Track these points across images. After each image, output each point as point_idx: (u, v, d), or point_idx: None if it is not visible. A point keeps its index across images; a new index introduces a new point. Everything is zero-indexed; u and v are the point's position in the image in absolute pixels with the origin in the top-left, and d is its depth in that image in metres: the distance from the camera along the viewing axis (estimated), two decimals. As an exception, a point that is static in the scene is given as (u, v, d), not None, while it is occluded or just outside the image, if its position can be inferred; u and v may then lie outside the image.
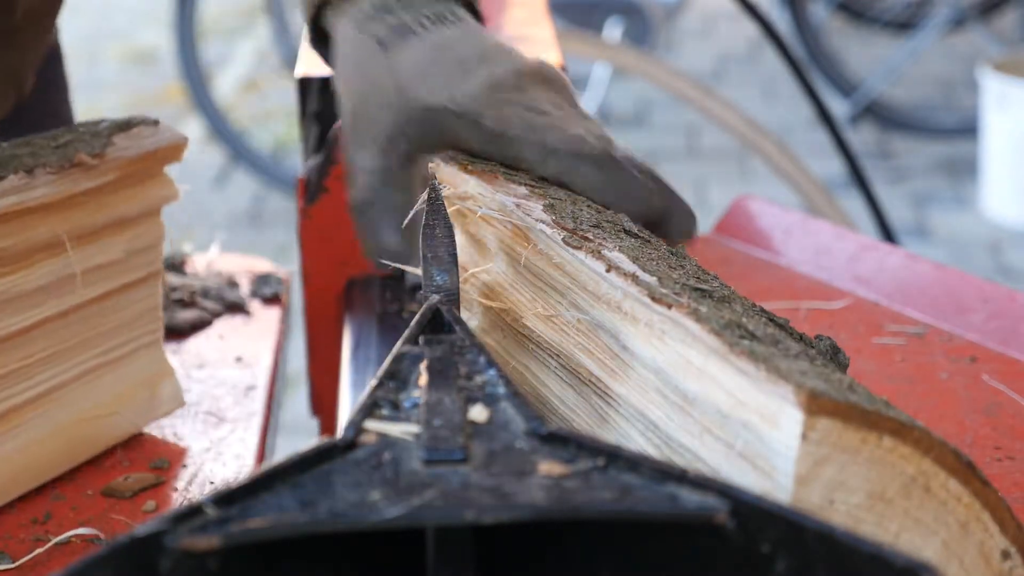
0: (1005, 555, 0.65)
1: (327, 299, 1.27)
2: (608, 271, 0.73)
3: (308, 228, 1.26)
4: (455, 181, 0.85)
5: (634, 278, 0.72)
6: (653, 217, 0.86)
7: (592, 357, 0.75)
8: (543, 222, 0.79)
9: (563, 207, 0.80)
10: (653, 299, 0.70)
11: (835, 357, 0.74)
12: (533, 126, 0.86)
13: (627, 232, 0.80)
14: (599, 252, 0.75)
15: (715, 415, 0.65)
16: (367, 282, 1.25)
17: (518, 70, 0.89)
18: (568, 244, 0.77)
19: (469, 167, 0.86)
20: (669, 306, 0.68)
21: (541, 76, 0.89)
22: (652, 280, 0.71)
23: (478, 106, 0.87)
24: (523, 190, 0.83)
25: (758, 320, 0.71)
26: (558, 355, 0.79)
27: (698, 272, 0.77)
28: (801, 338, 0.74)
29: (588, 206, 0.82)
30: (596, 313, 0.75)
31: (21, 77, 1.20)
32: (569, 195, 0.84)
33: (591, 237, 0.77)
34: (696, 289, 0.72)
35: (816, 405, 0.60)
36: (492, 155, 0.87)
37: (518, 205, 0.81)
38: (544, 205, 0.80)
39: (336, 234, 1.26)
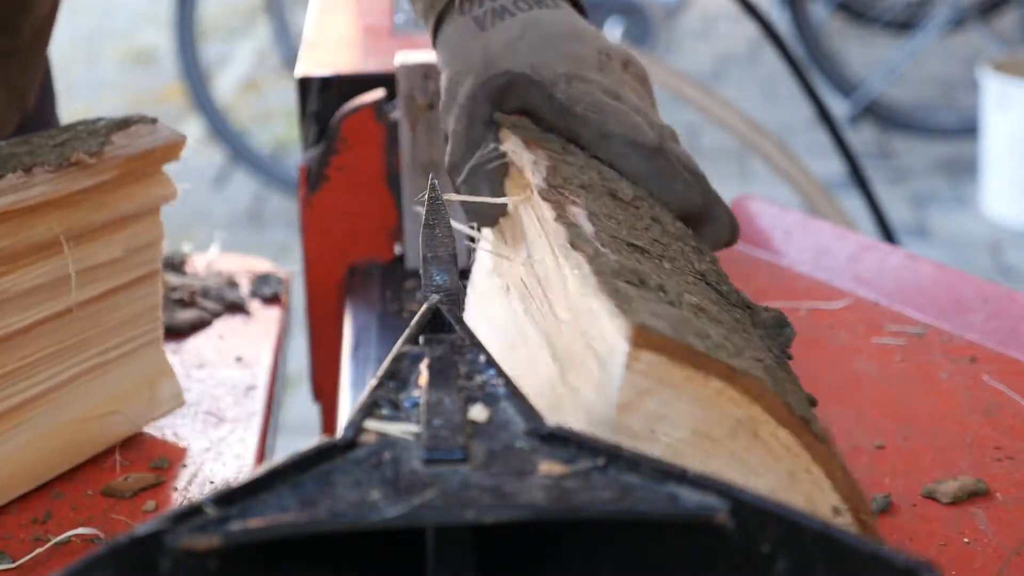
0: (836, 511, 0.66)
1: (328, 286, 1.28)
2: (556, 219, 0.76)
3: (310, 216, 1.27)
4: (502, 138, 0.90)
5: (571, 226, 0.75)
6: (690, 216, 0.89)
7: (531, 303, 0.79)
8: (539, 175, 0.83)
9: (567, 170, 0.83)
10: (572, 245, 0.73)
11: (779, 329, 0.78)
12: (599, 108, 0.89)
13: (612, 196, 0.83)
14: (562, 205, 0.78)
15: (583, 349, 0.69)
16: (367, 270, 1.26)
17: (603, 50, 0.93)
18: (542, 195, 0.80)
19: (513, 128, 0.90)
20: (576, 249, 0.72)
21: (625, 60, 0.94)
22: (587, 229, 0.75)
23: (554, 78, 0.91)
24: (543, 153, 0.86)
25: (679, 280, 0.75)
26: (524, 299, 0.82)
27: (663, 237, 0.81)
28: (748, 306, 0.78)
29: (598, 173, 0.86)
30: (547, 262, 0.78)
31: (26, 94, 1.21)
32: (588, 162, 0.88)
33: (566, 194, 0.79)
34: (631, 244, 0.75)
35: (643, 339, 0.63)
36: (559, 127, 0.91)
37: (534, 163, 0.85)
38: (548, 166, 0.84)
39: (337, 222, 1.28)
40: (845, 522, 0.66)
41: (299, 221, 1.28)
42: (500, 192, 0.88)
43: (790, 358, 0.78)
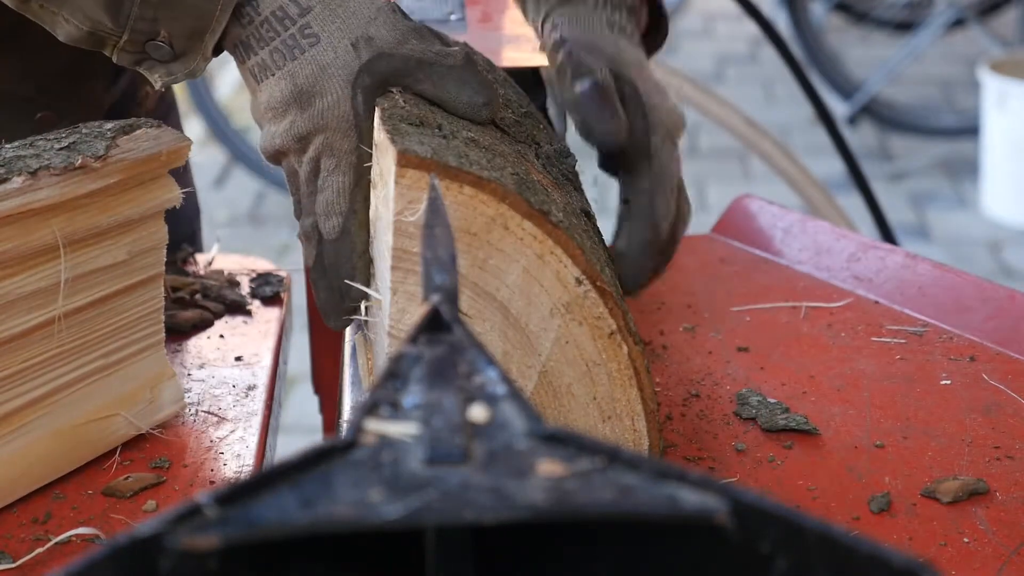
0: (578, 281, 0.85)
1: None
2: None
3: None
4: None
5: (389, 95, 0.93)
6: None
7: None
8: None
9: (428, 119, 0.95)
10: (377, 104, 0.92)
11: (562, 158, 1.02)
12: (436, 79, 0.94)
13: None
14: (393, 97, 0.94)
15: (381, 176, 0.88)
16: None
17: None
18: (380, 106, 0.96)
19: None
20: (378, 106, 0.91)
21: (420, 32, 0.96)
22: (396, 95, 0.94)
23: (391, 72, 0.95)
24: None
25: (463, 123, 0.93)
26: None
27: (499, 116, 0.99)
28: (536, 142, 1.00)
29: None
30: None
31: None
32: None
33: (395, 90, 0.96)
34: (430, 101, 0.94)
35: (405, 160, 0.82)
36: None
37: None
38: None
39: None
40: (588, 289, 0.86)
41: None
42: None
43: (575, 179, 1.03)
